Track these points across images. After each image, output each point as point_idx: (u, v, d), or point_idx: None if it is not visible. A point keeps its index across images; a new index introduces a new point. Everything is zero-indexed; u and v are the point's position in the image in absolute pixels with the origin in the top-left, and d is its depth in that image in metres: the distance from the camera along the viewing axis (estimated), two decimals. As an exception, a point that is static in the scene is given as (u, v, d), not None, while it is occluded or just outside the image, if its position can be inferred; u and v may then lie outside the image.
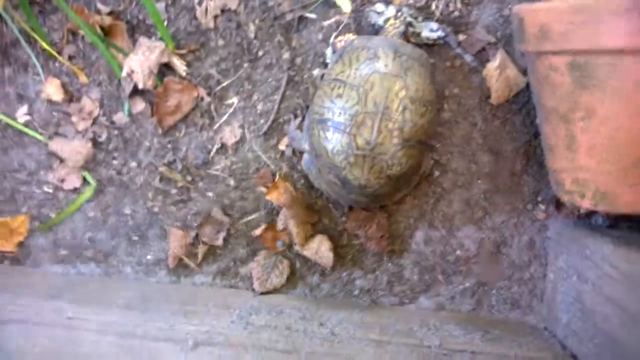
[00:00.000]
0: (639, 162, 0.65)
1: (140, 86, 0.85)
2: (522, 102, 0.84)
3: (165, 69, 0.87)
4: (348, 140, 0.74)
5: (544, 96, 0.72)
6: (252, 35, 0.86)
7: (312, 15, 0.85)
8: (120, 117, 0.90)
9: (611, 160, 0.67)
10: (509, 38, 0.83)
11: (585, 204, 0.72)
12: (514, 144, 0.85)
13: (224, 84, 0.88)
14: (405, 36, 0.82)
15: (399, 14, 0.82)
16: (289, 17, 0.86)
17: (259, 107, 0.88)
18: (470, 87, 0.85)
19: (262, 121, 0.88)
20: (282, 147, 0.88)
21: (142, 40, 0.85)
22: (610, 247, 0.72)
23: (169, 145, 0.90)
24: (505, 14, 0.84)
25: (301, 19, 0.85)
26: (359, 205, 0.85)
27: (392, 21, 0.82)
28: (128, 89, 0.87)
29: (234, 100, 0.88)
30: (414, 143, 0.76)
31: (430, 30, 0.84)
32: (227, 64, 0.87)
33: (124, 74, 0.86)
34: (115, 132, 0.91)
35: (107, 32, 0.87)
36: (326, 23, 0.85)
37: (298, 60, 0.86)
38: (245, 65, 0.87)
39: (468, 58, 0.85)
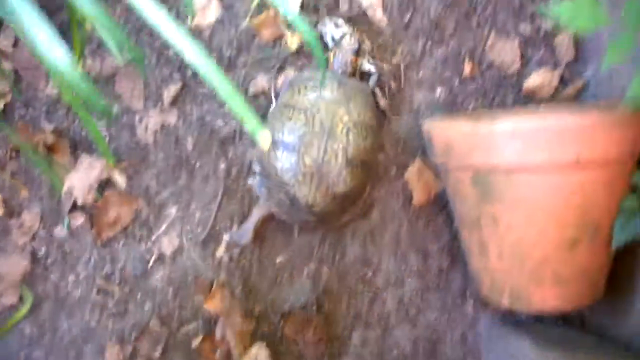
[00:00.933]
0: (542, 263, 0.71)
1: (80, 201, 0.88)
2: (442, 203, 0.91)
3: (106, 182, 0.91)
4: (296, 158, 0.81)
5: (456, 204, 0.79)
6: (190, 147, 0.92)
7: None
8: (60, 231, 0.91)
9: (519, 263, 0.72)
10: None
11: (504, 304, 0.76)
12: (438, 243, 0.90)
13: (163, 195, 0.92)
14: (357, 55, 0.89)
15: (354, 31, 0.90)
16: (225, 130, 0.92)
17: (197, 215, 0.91)
18: (394, 191, 0.92)
19: (199, 229, 0.91)
20: (219, 254, 0.91)
21: (84, 157, 0.89)
22: (528, 345, 0.75)
23: (108, 257, 0.91)
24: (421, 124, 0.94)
25: (237, 132, 0.92)
26: (307, 225, 0.89)
27: (347, 38, 0.89)
28: (68, 204, 0.89)
29: (173, 210, 0.91)
30: (358, 163, 0.83)
31: (367, 62, 0.91)
32: (166, 176, 0.92)
33: (64, 189, 0.89)
34: (55, 245, 0.92)
35: (50, 149, 0.91)
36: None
37: (234, 170, 0.91)
38: (184, 176, 0.92)
39: (381, 102, 0.91)
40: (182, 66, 0.92)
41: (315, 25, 0.92)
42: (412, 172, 0.91)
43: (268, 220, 0.90)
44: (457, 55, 0.94)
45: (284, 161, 0.82)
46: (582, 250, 0.70)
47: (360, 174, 0.84)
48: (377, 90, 0.91)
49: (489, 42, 0.95)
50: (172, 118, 0.92)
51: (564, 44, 0.94)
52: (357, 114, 0.83)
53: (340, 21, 0.92)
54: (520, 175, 0.68)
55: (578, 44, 0.94)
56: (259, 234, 0.90)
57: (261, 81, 0.92)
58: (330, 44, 0.91)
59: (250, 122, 0.47)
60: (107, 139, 0.91)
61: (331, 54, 0.90)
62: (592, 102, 0.93)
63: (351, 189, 0.83)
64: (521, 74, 0.94)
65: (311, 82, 0.85)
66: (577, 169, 0.66)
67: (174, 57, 0.92)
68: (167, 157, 0.92)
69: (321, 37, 0.92)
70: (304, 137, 0.81)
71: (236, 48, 0.92)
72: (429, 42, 0.94)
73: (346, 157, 0.82)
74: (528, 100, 0.95)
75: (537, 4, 0.95)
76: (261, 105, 0.92)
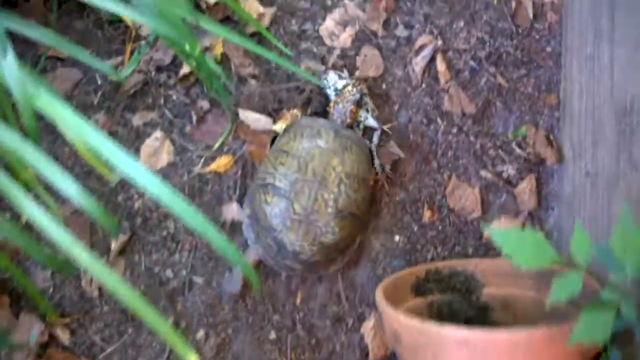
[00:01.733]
0: None
1: (18, 362, 0.84)
2: (399, 365, 0.87)
3: (48, 337, 0.87)
4: (286, 204, 0.80)
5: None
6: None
7: (199, 280, 0.89)
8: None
9: None
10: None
11: None
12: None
13: (108, 350, 0.87)
14: (358, 105, 0.88)
15: (357, 82, 0.89)
16: (174, 282, 0.89)
17: (143, 373, 0.88)
18: (350, 344, 0.88)
19: (145, 389, 0.87)
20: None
21: (23, 318, 0.86)
22: None
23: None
24: (379, 274, 0.91)
25: (186, 283, 0.89)
26: (294, 272, 0.86)
27: (350, 87, 0.88)
28: (6, 364, 0.85)
29: (117, 368, 0.88)
30: (347, 214, 0.82)
31: (370, 115, 0.91)
32: (111, 330, 0.87)
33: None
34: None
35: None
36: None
37: (183, 323, 0.88)
38: (130, 330, 0.88)
39: (377, 165, 0.90)
40: (131, 213, 0.89)
41: (320, 76, 0.92)
42: (369, 326, 0.88)
43: (257, 266, 0.88)
44: (416, 200, 0.92)
45: (274, 206, 0.81)
46: None
47: (349, 225, 0.83)
48: (374, 149, 0.90)
49: (449, 188, 0.92)
50: (119, 269, 0.88)
51: (525, 192, 0.92)
52: (351, 166, 0.83)
53: (345, 73, 0.92)
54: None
55: (540, 192, 0.93)
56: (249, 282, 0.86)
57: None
58: (332, 95, 0.91)
59: (179, 346, 0.48)
60: (51, 289, 0.88)
61: (332, 104, 0.90)
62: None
63: (339, 239, 0.82)
64: (482, 221, 0.93)
65: (308, 130, 0.85)
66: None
67: (123, 203, 0.89)
68: (113, 311, 0.88)
69: (325, 89, 0.92)
70: (296, 183, 0.81)
71: (189, 195, 0.90)
72: (389, 187, 0.92)
73: (336, 207, 0.81)
74: (489, 248, 0.93)
75: (497, 150, 0.94)
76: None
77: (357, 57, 0.95)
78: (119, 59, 0.91)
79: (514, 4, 0.98)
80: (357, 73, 0.94)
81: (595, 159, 0.82)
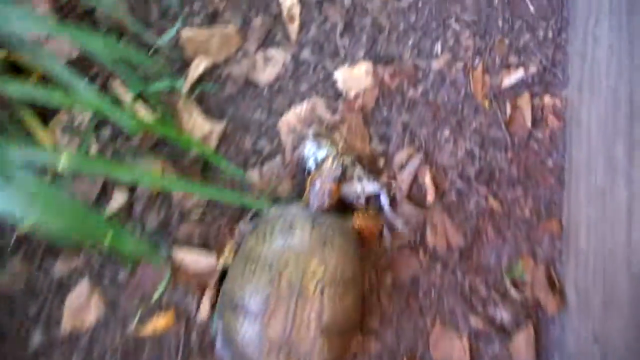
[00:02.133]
0: None
1: None
2: None
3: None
4: (259, 329, 0.65)
5: None
6: None
7: None
8: None
9: None
10: None
11: None
12: None
13: None
14: (340, 182, 0.74)
15: (338, 154, 0.75)
16: None
17: None
18: None
19: None
20: None
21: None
22: None
23: None
24: None
25: None
26: None
27: (330, 161, 0.74)
28: None
29: None
30: (335, 330, 0.66)
31: (365, 182, 0.77)
32: None
33: None
34: None
35: None
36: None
37: None
38: None
39: (399, 224, 0.77)
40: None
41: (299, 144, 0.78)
42: None
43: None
44: (394, 353, 0.78)
45: (246, 331, 0.65)
46: None
47: (338, 342, 0.67)
48: (389, 212, 0.77)
49: (433, 336, 0.78)
50: None
51: (522, 343, 0.78)
52: (335, 266, 0.67)
53: (325, 141, 0.76)
54: None
55: (539, 341, 0.79)
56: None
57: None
58: (312, 167, 0.77)
59: None
60: None
61: (308, 181, 0.74)
62: None
63: None
64: (471, 375, 0.79)
65: (279, 224, 0.69)
66: None
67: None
68: None
69: (303, 160, 0.78)
70: (269, 300, 0.65)
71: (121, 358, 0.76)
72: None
73: (320, 324, 0.65)
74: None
75: (489, 290, 0.80)
76: None
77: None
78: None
79: (508, 108, 0.83)
80: (340, 144, 0.80)
81: (607, 326, 0.68)
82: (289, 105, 0.82)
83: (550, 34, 0.86)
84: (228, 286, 0.70)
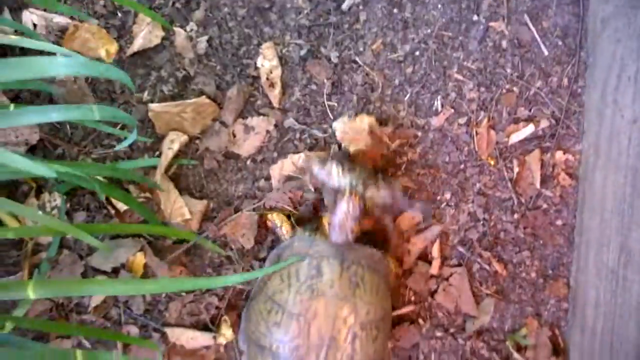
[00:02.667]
0: None
1: None
2: None
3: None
4: None
5: None
6: None
7: None
8: None
9: None
10: None
11: None
12: None
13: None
14: (360, 219, 0.69)
15: (352, 189, 0.69)
16: None
17: None
18: None
19: None
20: None
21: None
22: None
23: None
24: None
25: None
26: None
27: (345, 202, 0.68)
28: None
29: None
30: None
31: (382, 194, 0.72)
32: None
33: None
34: None
35: None
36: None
37: None
38: None
39: (423, 210, 0.78)
40: None
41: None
42: None
43: None
44: (397, 412, 0.81)
45: None
46: None
47: None
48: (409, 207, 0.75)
49: (434, 398, 0.80)
50: None
51: (522, 406, 0.79)
52: (366, 312, 0.65)
53: (347, 170, 0.69)
54: None
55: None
56: None
57: None
58: (327, 194, 0.71)
59: None
60: None
61: (326, 219, 0.72)
62: None
63: None
64: None
65: (305, 267, 0.66)
66: None
67: None
68: None
69: (321, 181, 0.72)
70: (297, 350, 0.64)
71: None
72: None
73: None
74: None
75: (491, 353, 0.79)
76: None
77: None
78: (18, 275, 0.75)
79: (516, 166, 0.77)
80: (357, 170, 0.71)
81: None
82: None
83: (565, 81, 0.78)
84: (253, 324, 0.69)
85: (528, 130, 0.76)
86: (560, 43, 0.79)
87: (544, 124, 0.77)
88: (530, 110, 0.78)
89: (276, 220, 0.75)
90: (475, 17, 0.78)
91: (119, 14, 0.77)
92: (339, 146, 0.78)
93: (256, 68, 0.77)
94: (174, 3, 0.77)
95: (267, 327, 0.65)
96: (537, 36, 0.77)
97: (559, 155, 0.77)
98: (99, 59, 0.76)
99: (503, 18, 0.78)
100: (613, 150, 0.69)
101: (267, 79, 0.77)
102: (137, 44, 0.76)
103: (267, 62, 0.77)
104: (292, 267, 0.67)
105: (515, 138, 0.77)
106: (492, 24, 0.78)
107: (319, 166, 0.70)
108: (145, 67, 0.77)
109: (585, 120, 0.76)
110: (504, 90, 0.78)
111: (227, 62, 0.77)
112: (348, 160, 0.73)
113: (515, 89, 0.78)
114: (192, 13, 0.77)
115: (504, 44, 0.78)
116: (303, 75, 0.78)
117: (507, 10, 0.78)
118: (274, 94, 0.77)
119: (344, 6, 0.78)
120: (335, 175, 0.69)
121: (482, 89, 0.78)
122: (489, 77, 0.78)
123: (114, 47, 0.76)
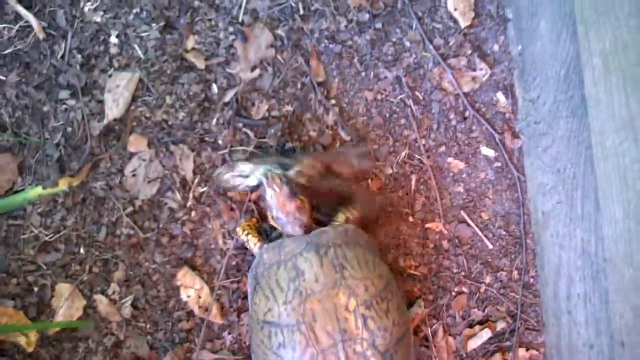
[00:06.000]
0: None
1: None
2: None
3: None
4: None
5: None
6: None
7: None
8: None
9: None
10: None
11: None
12: None
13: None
14: (295, 197, 0.63)
15: (265, 171, 0.65)
16: None
17: None
18: None
19: None
20: None
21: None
22: None
23: None
24: None
25: None
26: None
27: (268, 185, 0.64)
28: None
29: None
30: (395, 348, 0.60)
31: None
32: None
33: None
34: None
35: None
36: None
37: None
38: None
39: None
40: None
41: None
42: None
43: None
44: None
45: None
46: None
47: (403, 353, 0.62)
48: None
49: None
50: None
51: None
52: (363, 287, 0.60)
53: (247, 165, 0.67)
54: None
55: None
56: None
57: None
58: (265, 192, 0.65)
59: None
60: None
61: (270, 217, 0.66)
62: None
63: None
64: None
65: (282, 271, 0.60)
66: None
67: None
68: None
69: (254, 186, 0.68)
70: (316, 358, 0.58)
71: None
72: None
73: (379, 354, 0.59)
74: None
75: None
76: None
77: None
78: None
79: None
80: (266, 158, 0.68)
81: None
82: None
83: (515, 274, 0.73)
84: (259, 354, 0.62)
85: (485, 335, 0.71)
86: (503, 233, 0.75)
87: (501, 324, 0.73)
88: (484, 311, 0.73)
89: (241, 235, 0.69)
90: (411, 219, 0.74)
91: (35, 289, 0.73)
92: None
93: (184, 306, 0.73)
94: (90, 268, 0.73)
95: (274, 353, 0.59)
96: (477, 230, 0.73)
97: (522, 353, 0.72)
98: (20, 347, 0.70)
99: (439, 216, 0.74)
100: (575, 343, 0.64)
101: (200, 306, 0.72)
102: (59, 320, 0.71)
103: (190, 290, 0.73)
104: (270, 280, 0.61)
105: (473, 344, 0.72)
106: (428, 225, 0.74)
107: (229, 173, 0.67)
108: (71, 339, 0.72)
109: (543, 312, 0.72)
110: (454, 293, 0.74)
111: (157, 317, 0.73)
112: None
113: (464, 289, 0.74)
114: (112, 274, 0.73)
115: (445, 244, 0.74)
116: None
117: (441, 209, 0.74)
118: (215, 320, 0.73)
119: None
120: (247, 172, 0.66)
121: (430, 296, 0.74)
122: (435, 282, 0.74)
123: (33, 334, 0.70)
